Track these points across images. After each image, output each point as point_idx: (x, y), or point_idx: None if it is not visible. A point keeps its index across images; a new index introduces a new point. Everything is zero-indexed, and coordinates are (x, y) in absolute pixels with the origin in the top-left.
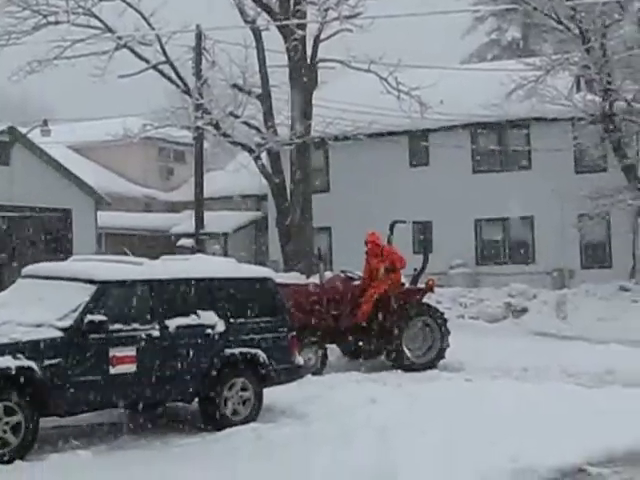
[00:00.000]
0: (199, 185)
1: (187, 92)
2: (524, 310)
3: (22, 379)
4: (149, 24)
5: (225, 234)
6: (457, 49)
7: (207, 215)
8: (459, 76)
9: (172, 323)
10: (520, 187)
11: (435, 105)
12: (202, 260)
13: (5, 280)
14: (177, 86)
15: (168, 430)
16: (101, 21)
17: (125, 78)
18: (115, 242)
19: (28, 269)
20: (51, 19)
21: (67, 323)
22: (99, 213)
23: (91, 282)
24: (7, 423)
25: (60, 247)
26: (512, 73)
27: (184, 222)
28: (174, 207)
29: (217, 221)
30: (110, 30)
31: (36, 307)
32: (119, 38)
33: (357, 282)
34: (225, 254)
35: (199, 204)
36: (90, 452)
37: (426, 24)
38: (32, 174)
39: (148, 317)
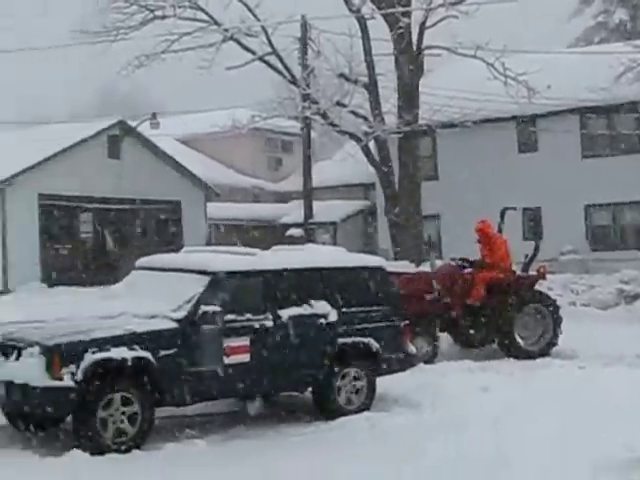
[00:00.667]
0: (307, 175)
1: (294, 82)
2: (637, 296)
3: (138, 370)
4: (255, 15)
5: (334, 223)
6: (563, 33)
7: (315, 205)
8: (566, 60)
9: (285, 313)
10: (631, 171)
11: (542, 90)
12: (313, 250)
13: (118, 272)
14: (284, 77)
15: (281, 420)
16: (207, 14)
17: (232, 70)
18: (224, 233)
19: (142, 261)
20: (158, 13)
21: (181, 314)
22: (208, 204)
23: (205, 273)
24: (124, 413)
25: (170, 239)
26: (621, 56)
27: (293, 212)
28: (282, 197)
29: (326, 211)
30: (216, 23)
31: (150, 298)
32: (225, 30)
33: (468, 269)
34: (334, 243)
35: (307, 194)
36: (205, 442)
37: (532, 8)
38: (142, 167)
39: (261, 307)
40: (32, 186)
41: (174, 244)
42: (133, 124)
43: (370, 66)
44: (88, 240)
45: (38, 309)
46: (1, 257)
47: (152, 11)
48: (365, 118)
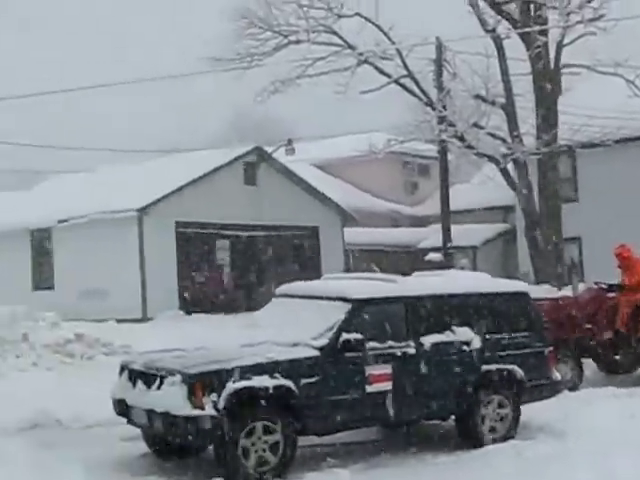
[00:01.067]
0: (445, 198)
1: (430, 105)
2: None
3: (280, 398)
4: (389, 38)
5: (473, 247)
6: None
7: (454, 229)
8: None
9: (427, 340)
10: None
11: None
12: (456, 275)
13: (256, 299)
14: (419, 99)
15: (424, 448)
16: (341, 38)
17: (367, 94)
18: (362, 258)
19: (282, 288)
20: (292, 39)
21: (323, 342)
22: (345, 230)
23: (345, 300)
24: (266, 442)
25: (308, 265)
26: None
27: (431, 236)
28: (420, 221)
29: (464, 235)
30: (350, 47)
31: (291, 326)
32: (360, 54)
33: (612, 294)
34: (474, 268)
35: (445, 218)
36: (348, 471)
37: None
38: (279, 193)
39: (403, 334)
40: (169, 214)
41: (312, 270)
42: (268, 150)
43: (507, 86)
44: (225, 268)
45: (179, 337)
46: (140, 285)
47: (286, 36)
48: (503, 140)
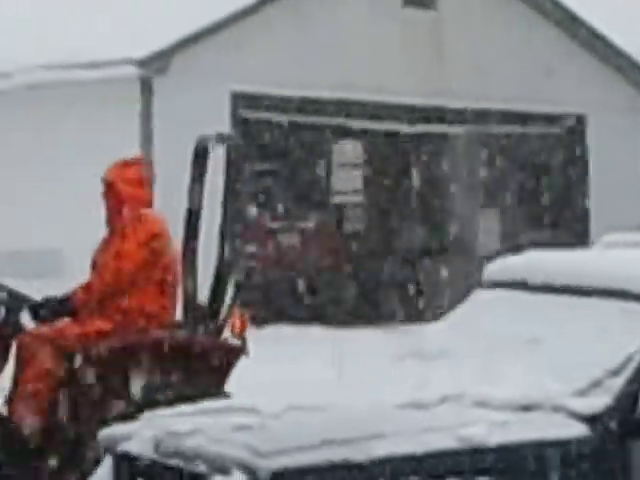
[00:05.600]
0: None
1: None
2: None
3: None
4: None
5: None
6: None
7: None
8: None
9: None
10: None
11: None
12: None
13: (431, 289)
14: None
15: None
16: None
17: None
18: None
19: (496, 267)
20: None
21: (597, 404)
22: None
23: None
24: None
25: (557, 206)
26: None
27: None
28: None
29: None
30: None
31: (519, 359)
32: None
33: None
34: None
35: None
36: None
37: None
38: (489, 30)
39: None
40: (216, 73)
41: (566, 220)
42: None
43: None
44: (350, 210)
45: None
46: None
47: None
48: None
